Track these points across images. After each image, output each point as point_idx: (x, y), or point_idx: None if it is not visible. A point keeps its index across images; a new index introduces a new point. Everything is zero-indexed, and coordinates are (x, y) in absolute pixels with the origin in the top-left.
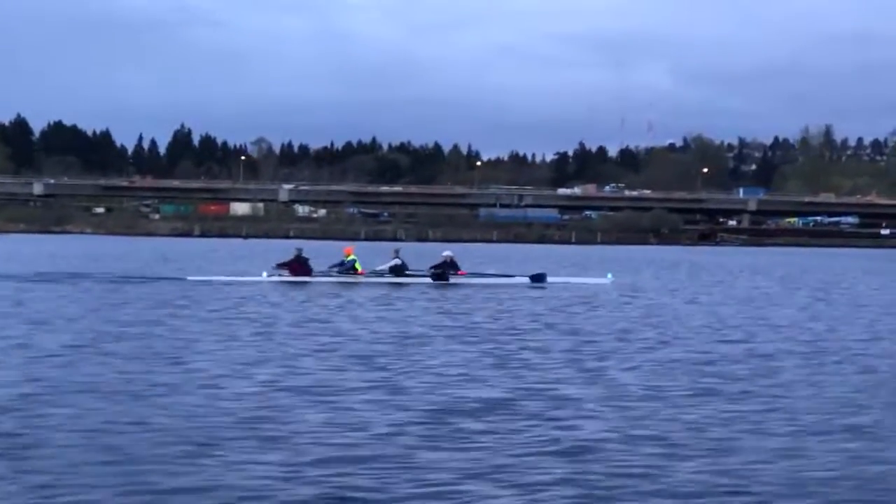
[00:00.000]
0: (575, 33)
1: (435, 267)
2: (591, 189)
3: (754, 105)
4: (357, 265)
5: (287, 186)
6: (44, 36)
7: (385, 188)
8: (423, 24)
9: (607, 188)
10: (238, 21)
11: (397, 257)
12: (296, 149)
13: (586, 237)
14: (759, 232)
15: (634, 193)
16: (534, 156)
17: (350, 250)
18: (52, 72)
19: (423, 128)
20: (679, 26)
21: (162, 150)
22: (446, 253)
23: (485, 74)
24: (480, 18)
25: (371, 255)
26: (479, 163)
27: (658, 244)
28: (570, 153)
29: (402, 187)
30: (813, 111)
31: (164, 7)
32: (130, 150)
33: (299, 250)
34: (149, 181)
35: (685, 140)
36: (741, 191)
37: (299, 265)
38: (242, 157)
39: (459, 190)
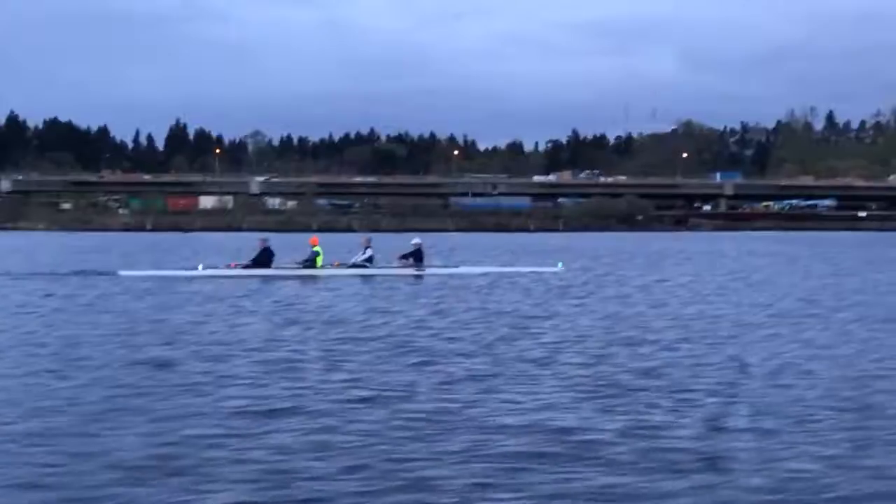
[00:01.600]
0: (579, 21)
1: (404, 255)
2: (566, 176)
3: (761, 89)
4: (318, 258)
5: (258, 179)
6: (42, 33)
7: (358, 179)
8: (427, 14)
9: (582, 175)
10: (242, 15)
11: (369, 247)
12: (295, 141)
13: (549, 224)
14: (733, 216)
15: (609, 180)
16: (536, 144)
17: (315, 241)
18: (51, 69)
19: (425, 118)
20: (683, 10)
21: (161, 145)
22: (415, 241)
23: (489, 64)
24: (485, 8)
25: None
26: (455, 152)
27: (628, 230)
28: (564, 141)
29: (377, 178)
30: (818, 94)
31: (167, 2)
32: (130, 145)
33: (265, 241)
34: (118, 176)
35: (679, 125)
36: (718, 175)
37: (265, 257)
38: (217, 150)
39: (432, 179)
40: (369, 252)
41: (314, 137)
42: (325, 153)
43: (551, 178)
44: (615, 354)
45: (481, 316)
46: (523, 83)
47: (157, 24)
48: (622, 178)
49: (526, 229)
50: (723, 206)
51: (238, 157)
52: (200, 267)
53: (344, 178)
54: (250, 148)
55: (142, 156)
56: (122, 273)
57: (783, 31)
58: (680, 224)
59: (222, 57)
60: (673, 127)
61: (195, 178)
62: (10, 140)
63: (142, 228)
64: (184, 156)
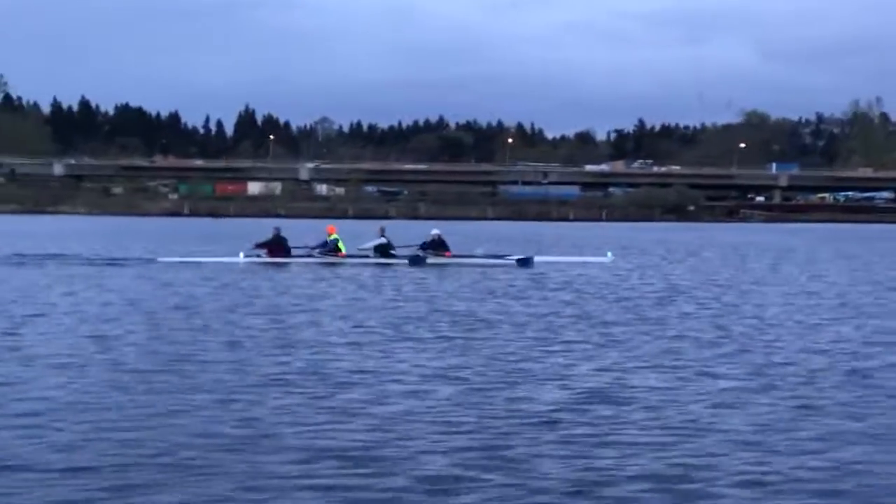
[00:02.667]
0: (650, 10)
1: (423, 245)
2: (618, 166)
3: (840, 80)
4: (340, 245)
5: (308, 165)
6: (115, 20)
7: (409, 166)
8: (493, 2)
9: (635, 164)
10: (311, 2)
11: (383, 236)
12: (365, 129)
13: (592, 214)
14: (787, 208)
15: (662, 170)
16: (608, 134)
17: (333, 229)
18: (123, 56)
19: (494, 107)
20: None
21: (230, 131)
22: (434, 231)
23: (557, 52)
24: None
25: (350, 234)
26: (510, 140)
27: (675, 221)
28: (630, 131)
29: (428, 165)
30: (892, 85)
31: None
32: (201, 131)
33: (277, 230)
34: (170, 161)
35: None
36: (773, 166)
37: (277, 246)
38: (272, 137)
39: (483, 167)
40: (382, 240)
41: (384, 125)
42: (392, 141)
43: (603, 167)
44: None
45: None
46: (594, 72)
47: (227, 12)
48: (675, 168)
49: (566, 219)
50: (777, 198)
51: (303, 143)
52: (241, 255)
53: (395, 166)
54: (320, 135)
55: (210, 142)
56: (161, 259)
57: (862, 22)
58: (731, 215)
59: (291, 44)
60: (739, 119)
61: (245, 163)
62: (82, 124)
63: (180, 213)
64: (251, 142)
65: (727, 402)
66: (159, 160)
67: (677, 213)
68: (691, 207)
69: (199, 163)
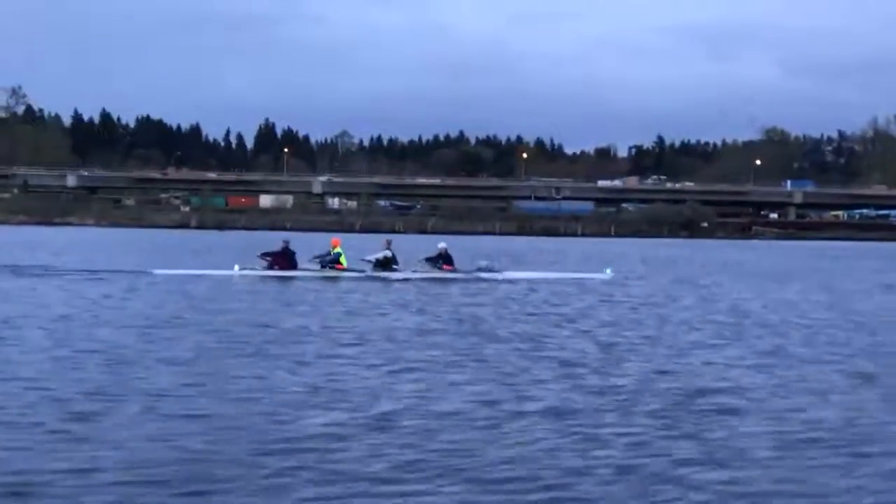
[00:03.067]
0: (676, 25)
1: (428, 259)
2: (632, 181)
3: (864, 96)
4: (342, 259)
5: (321, 179)
6: (135, 35)
7: (421, 180)
8: (520, 16)
9: (649, 181)
10: (336, 16)
11: (388, 249)
12: (385, 142)
13: (602, 230)
14: (800, 225)
15: (676, 186)
16: (630, 150)
17: (337, 242)
18: (145, 70)
19: (515, 122)
20: (784, 17)
21: (250, 144)
22: (441, 245)
23: (585, 67)
24: (578, 11)
25: (358, 249)
26: (524, 155)
27: (684, 237)
28: (649, 146)
29: (441, 180)
30: None
31: (262, 3)
32: (222, 144)
33: (286, 242)
34: (183, 173)
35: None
36: (788, 183)
37: (284, 258)
38: (286, 150)
39: (496, 182)
40: (386, 252)
41: (405, 139)
42: (413, 155)
43: (616, 183)
44: None
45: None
46: (620, 88)
47: (251, 25)
48: (689, 185)
49: (574, 234)
50: (791, 215)
51: (319, 157)
52: (236, 268)
53: (408, 180)
54: (340, 149)
55: (230, 155)
56: (157, 272)
57: (887, 39)
58: (744, 232)
59: (315, 58)
60: (759, 135)
61: (257, 176)
62: (102, 136)
63: (187, 226)
64: (269, 155)
65: None
66: (172, 172)
67: (689, 229)
68: (705, 224)
69: (211, 175)
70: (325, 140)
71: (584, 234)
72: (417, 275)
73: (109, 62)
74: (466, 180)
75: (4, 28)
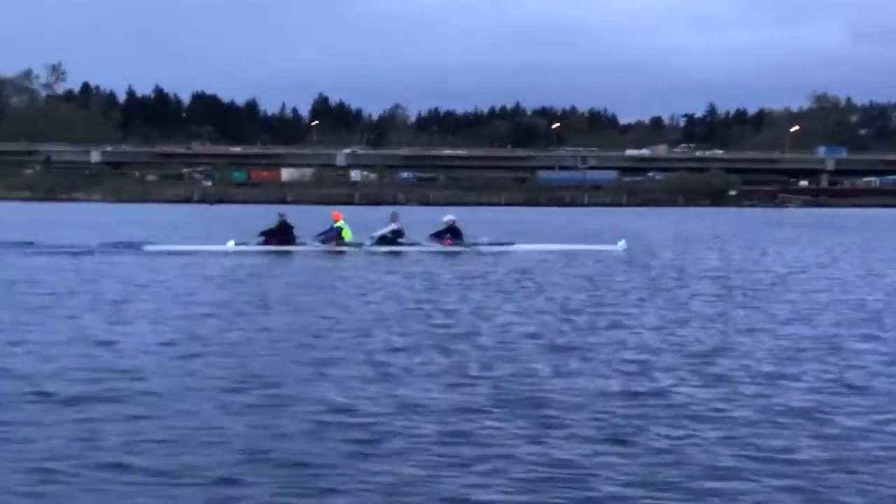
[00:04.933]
0: None
1: (435, 234)
2: (660, 150)
3: None
4: (345, 233)
5: (345, 151)
6: (194, 8)
7: (447, 151)
8: None
9: (678, 149)
10: None
11: (394, 222)
12: (440, 114)
13: (614, 199)
14: (831, 192)
15: (707, 154)
16: (681, 119)
17: (339, 215)
18: (202, 43)
19: (576, 92)
20: None
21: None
22: (448, 217)
23: (650, 38)
24: None
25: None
26: (555, 125)
27: (710, 206)
28: (701, 115)
29: (467, 151)
30: None
31: None
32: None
33: (282, 216)
34: (207, 147)
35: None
36: (821, 150)
37: (282, 233)
38: (314, 123)
39: (521, 153)
40: (394, 226)
41: (463, 110)
42: (466, 127)
43: (644, 151)
44: None
45: None
46: (679, 56)
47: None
48: (718, 153)
49: (581, 204)
50: (824, 182)
51: (357, 129)
52: (230, 243)
53: (433, 151)
54: (396, 121)
55: (288, 130)
56: (148, 248)
57: None
58: (772, 200)
59: (376, 32)
60: (811, 103)
61: (280, 150)
62: (156, 112)
63: (190, 200)
64: (324, 129)
65: None
66: (196, 147)
67: (713, 198)
68: (733, 192)
69: (235, 149)
70: (385, 113)
71: (593, 204)
72: (426, 249)
73: (168, 39)
74: (492, 151)
75: (61, 4)
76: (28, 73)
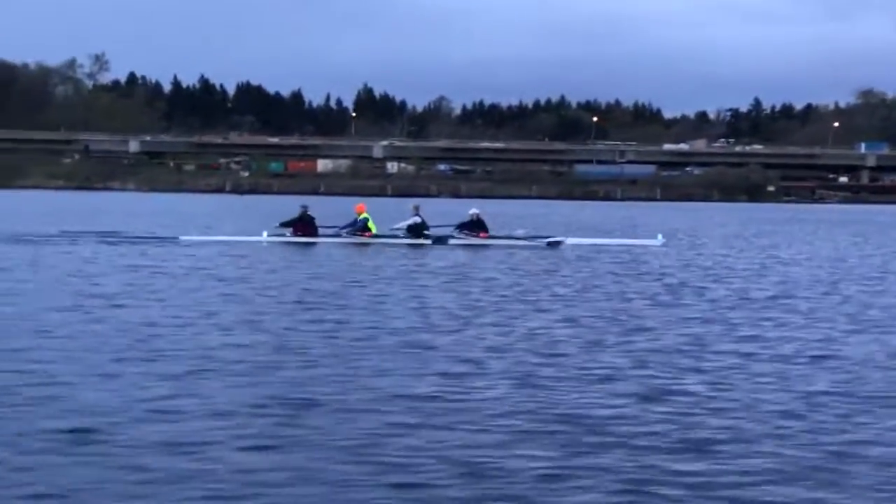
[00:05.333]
0: None
1: (460, 226)
2: (699, 145)
3: None
4: (370, 224)
5: (382, 143)
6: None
7: (485, 144)
8: None
9: (717, 143)
10: None
11: (417, 214)
12: (486, 107)
13: (648, 194)
14: (871, 189)
15: (746, 149)
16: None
17: (362, 207)
18: (251, 36)
19: (622, 86)
20: None
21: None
22: (473, 211)
23: (698, 31)
24: None
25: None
26: (595, 118)
27: (747, 202)
28: (745, 110)
29: (505, 143)
30: None
31: None
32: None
33: (305, 208)
34: (244, 138)
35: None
36: (862, 146)
37: (304, 224)
38: (353, 115)
39: (559, 146)
40: (416, 219)
41: (505, 103)
42: (511, 120)
43: (682, 146)
44: None
45: None
46: (727, 51)
47: None
48: (758, 148)
49: (613, 198)
50: (864, 178)
51: (398, 121)
52: (265, 234)
53: (471, 144)
54: (441, 113)
55: (332, 120)
56: (183, 238)
57: None
58: (798, 195)
59: (422, 25)
60: (857, 99)
61: (317, 141)
62: (203, 103)
63: (222, 190)
64: (367, 121)
65: None
66: (234, 137)
67: (751, 193)
68: (771, 188)
69: (273, 140)
70: (429, 106)
71: (626, 199)
72: (455, 241)
73: (216, 30)
74: (529, 144)
75: None
76: (72, 63)
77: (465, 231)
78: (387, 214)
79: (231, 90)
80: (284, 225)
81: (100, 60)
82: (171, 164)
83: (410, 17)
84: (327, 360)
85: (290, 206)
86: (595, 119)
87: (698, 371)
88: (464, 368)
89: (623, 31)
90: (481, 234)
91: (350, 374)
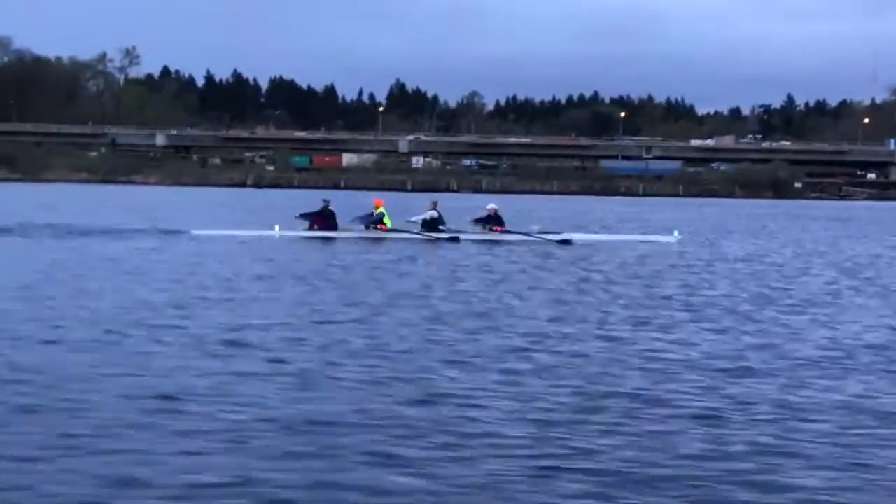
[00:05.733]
0: None
1: (477, 220)
2: (726, 141)
3: None
4: (386, 219)
5: (408, 138)
6: None
7: (512, 139)
8: None
9: (744, 140)
10: None
11: (434, 209)
12: (518, 102)
13: (672, 190)
14: None
15: (774, 145)
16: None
17: (380, 202)
18: (282, 27)
19: (654, 81)
20: None
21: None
22: (491, 206)
23: (733, 27)
24: None
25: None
26: (623, 114)
27: (772, 198)
28: (777, 106)
29: (532, 138)
30: None
31: None
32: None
33: (326, 202)
34: (271, 132)
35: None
36: (892, 142)
37: (323, 218)
38: (380, 109)
39: (585, 141)
40: (432, 213)
41: (538, 98)
42: (543, 116)
43: (709, 142)
44: None
45: None
46: (762, 47)
47: None
48: (786, 144)
49: (634, 193)
50: (893, 175)
51: (426, 116)
52: (276, 228)
53: (498, 139)
54: (474, 109)
55: (364, 115)
56: (195, 232)
57: None
58: (827, 192)
59: (455, 19)
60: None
61: (343, 135)
62: (235, 97)
63: (243, 184)
64: (399, 115)
65: None
66: (260, 131)
67: (776, 189)
68: (798, 184)
69: (299, 134)
70: (463, 101)
71: (647, 194)
72: (471, 236)
73: (250, 25)
74: (556, 139)
75: None
76: (102, 57)
77: (481, 224)
78: (404, 209)
79: (264, 85)
80: (304, 216)
81: (130, 54)
82: (195, 157)
83: (444, 11)
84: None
85: (304, 200)
86: (623, 115)
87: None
88: None
89: (658, 26)
90: (496, 228)
91: None
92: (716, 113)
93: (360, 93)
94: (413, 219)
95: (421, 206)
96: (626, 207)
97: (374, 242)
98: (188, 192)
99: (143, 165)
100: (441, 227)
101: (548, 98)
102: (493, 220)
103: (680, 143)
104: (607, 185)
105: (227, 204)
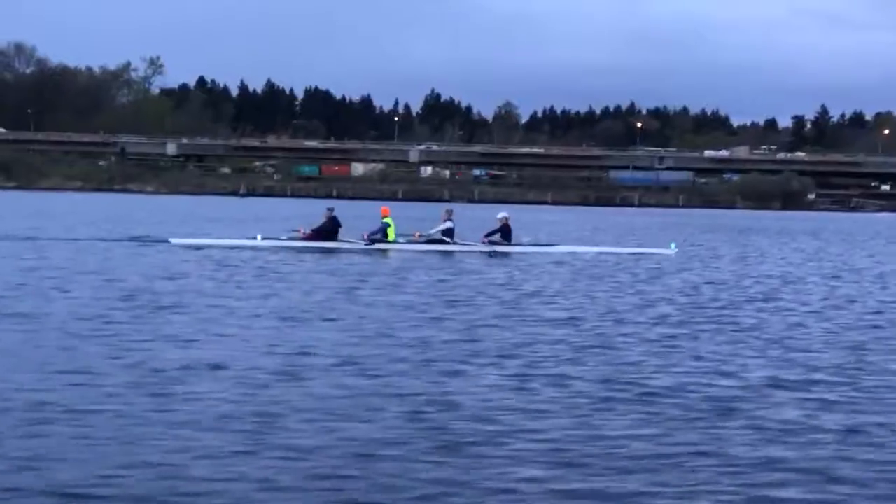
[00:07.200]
0: None
1: (490, 232)
2: (741, 151)
3: None
4: (390, 231)
5: (419, 147)
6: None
7: (524, 149)
8: None
9: (759, 150)
10: None
11: (449, 219)
12: (558, 113)
13: (672, 201)
14: None
15: (788, 156)
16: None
17: (387, 211)
18: (319, 39)
19: (692, 93)
20: None
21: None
22: (501, 215)
23: (777, 38)
24: None
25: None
26: (639, 124)
27: (781, 209)
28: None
29: (545, 149)
30: None
31: None
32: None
33: (331, 211)
34: (282, 141)
35: None
36: None
37: (329, 230)
38: (396, 118)
39: (597, 152)
40: (448, 224)
41: (573, 110)
42: (578, 126)
43: (723, 153)
44: None
45: None
46: (807, 57)
47: None
48: (800, 155)
49: (630, 204)
50: None
51: (448, 127)
52: (259, 237)
53: (510, 149)
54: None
55: (393, 125)
56: (174, 241)
57: None
58: (838, 204)
59: (498, 28)
60: None
61: (354, 145)
62: (269, 107)
63: (236, 193)
64: (430, 126)
65: None
66: (271, 141)
67: (785, 200)
68: (811, 196)
69: (311, 143)
70: (497, 111)
71: (642, 205)
72: (473, 248)
73: (283, 33)
74: (567, 149)
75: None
76: (126, 67)
77: (493, 238)
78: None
79: (300, 95)
80: (314, 231)
81: (154, 64)
82: (193, 166)
83: (480, 23)
84: None
85: (294, 209)
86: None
87: None
88: None
89: (705, 37)
90: (484, 239)
91: None
92: (752, 124)
93: (396, 103)
94: (432, 230)
95: (415, 216)
96: (612, 218)
97: (380, 255)
98: (166, 201)
99: (143, 174)
100: (447, 239)
101: (584, 109)
102: (501, 232)
103: (692, 153)
104: (602, 196)
105: (198, 214)
